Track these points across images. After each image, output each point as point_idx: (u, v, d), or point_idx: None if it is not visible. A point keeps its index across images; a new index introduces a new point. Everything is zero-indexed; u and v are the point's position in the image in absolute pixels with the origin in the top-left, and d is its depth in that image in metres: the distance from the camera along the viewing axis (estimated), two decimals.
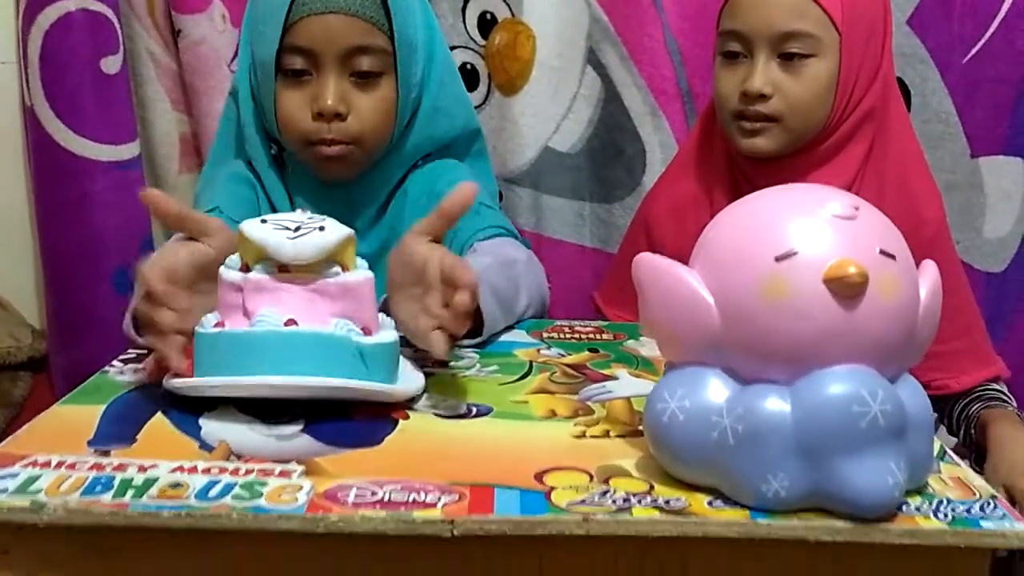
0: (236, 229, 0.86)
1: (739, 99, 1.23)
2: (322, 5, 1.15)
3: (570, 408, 0.88)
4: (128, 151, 1.66)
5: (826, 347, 0.66)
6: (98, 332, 1.65)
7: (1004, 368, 1.38)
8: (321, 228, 0.85)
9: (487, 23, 1.68)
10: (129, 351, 0.99)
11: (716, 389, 0.70)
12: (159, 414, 0.82)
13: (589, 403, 0.89)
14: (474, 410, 0.86)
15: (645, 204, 1.48)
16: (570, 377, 0.97)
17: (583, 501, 0.68)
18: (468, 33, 1.69)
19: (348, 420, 0.83)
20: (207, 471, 0.70)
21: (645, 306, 0.72)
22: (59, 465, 0.70)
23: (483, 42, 1.69)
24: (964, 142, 1.62)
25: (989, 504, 0.70)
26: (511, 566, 0.68)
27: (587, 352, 1.06)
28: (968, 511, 0.69)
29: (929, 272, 0.73)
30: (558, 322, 1.19)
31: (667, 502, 0.68)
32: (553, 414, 0.86)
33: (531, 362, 1.01)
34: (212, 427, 0.80)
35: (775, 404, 0.67)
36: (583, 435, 0.82)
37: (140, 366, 0.94)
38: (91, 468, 0.70)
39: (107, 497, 0.66)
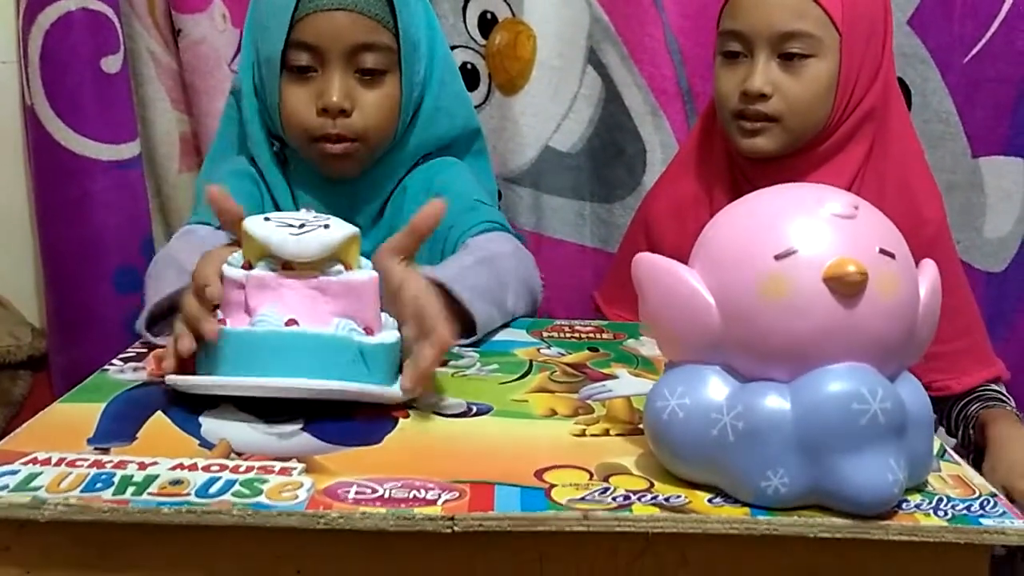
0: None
1: (739, 99, 1.23)
2: (329, 1, 1.16)
3: (570, 407, 0.88)
4: (128, 150, 1.66)
5: (826, 345, 0.67)
6: (98, 331, 1.65)
7: (1004, 369, 1.38)
8: (326, 226, 0.85)
9: (487, 23, 1.68)
10: (129, 350, 0.99)
11: (716, 387, 0.70)
12: (159, 412, 0.82)
13: (589, 402, 0.89)
14: (474, 409, 0.86)
15: (645, 204, 1.48)
16: (570, 376, 0.97)
17: (583, 498, 0.68)
18: (468, 33, 1.69)
19: (348, 419, 0.83)
20: (207, 468, 0.70)
21: (645, 305, 0.72)
22: (59, 462, 0.70)
23: (483, 42, 1.69)
24: (965, 142, 1.62)
25: (989, 502, 0.70)
26: (511, 563, 0.68)
27: (587, 351, 1.06)
28: (968, 509, 0.69)
29: (929, 271, 0.73)
30: (558, 321, 1.19)
31: (667, 499, 0.69)
32: (553, 413, 0.86)
33: (531, 361, 1.01)
34: (212, 425, 0.80)
35: (775, 402, 0.67)
36: (583, 433, 0.82)
37: (140, 364, 0.94)
38: (91, 465, 0.70)
39: (107, 494, 0.66)
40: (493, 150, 1.55)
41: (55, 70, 1.60)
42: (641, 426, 0.75)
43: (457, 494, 0.68)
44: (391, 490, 0.68)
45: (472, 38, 1.69)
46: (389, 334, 0.88)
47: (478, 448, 0.78)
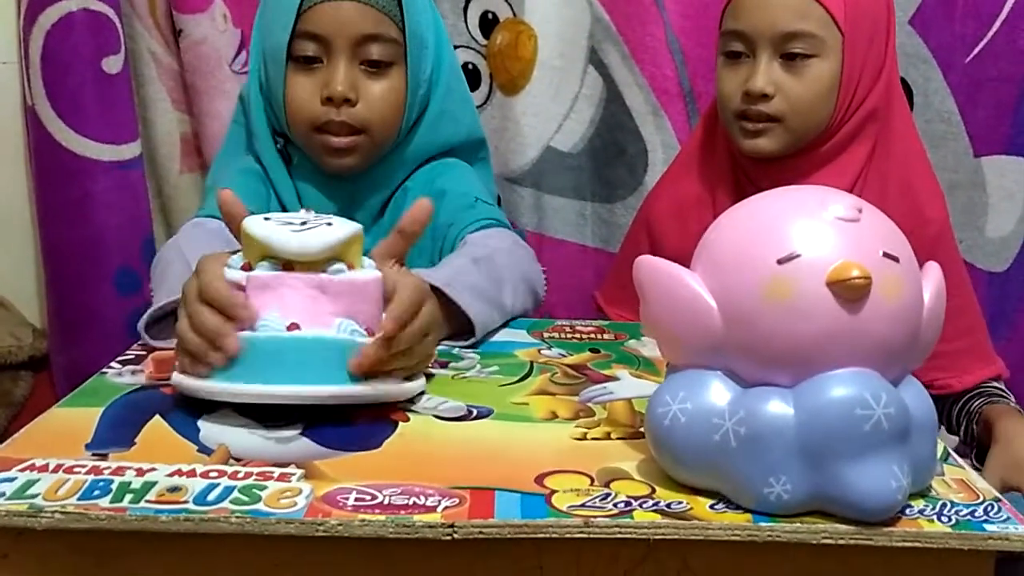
0: None
1: (741, 99, 1.23)
2: None
3: (571, 410, 0.87)
4: (129, 151, 1.66)
5: (829, 350, 0.66)
6: (99, 331, 1.66)
7: (1003, 367, 1.38)
8: (328, 224, 0.85)
9: (488, 23, 1.68)
10: (127, 352, 0.98)
11: (718, 392, 0.69)
12: (157, 417, 0.82)
13: (590, 404, 0.89)
14: (474, 412, 0.86)
15: (647, 204, 1.48)
16: (571, 378, 0.96)
17: (584, 504, 0.68)
18: (470, 33, 1.69)
19: (348, 423, 0.82)
20: (206, 475, 0.70)
21: (646, 308, 0.72)
22: (57, 469, 0.70)
23: (484, 42, 1.69)
24: (967, 142, 1.62)
25: (993, 507, 0.70)
26: (511, 570, 0.68)
27: (588, 352, 1.05)
28: (972, 514, 0.68)
29: (932, 274, 0.72)
30: (559, 322, 1.18)
31: (668, 505, 0.68)
32: (554, 416, 0.86)
33: (532, 363, 1.01)
34: (211, 430, 0.80)
35: (777, 407, 0.67)
36: (584, 437, 0.81)
37: (139, 367, 0.93)
38: (89, 472, 0.69)
39: (105, 501, 0.65)
40: (495, 150, 1.55)
41: (56, 71, 1.60)
42: (642, 429, 0.75)
43: (457, 500, 0.67)
44: (390, 496, 0.68)
45: (473, 38, 1.69)
46: None
47: (478, 453, 0.77)
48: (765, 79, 1.21)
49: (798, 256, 0.66)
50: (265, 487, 0.68)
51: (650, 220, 1.43)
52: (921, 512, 0.68)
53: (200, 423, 0.81)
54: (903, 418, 0.66)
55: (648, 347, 1.07)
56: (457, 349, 1.03)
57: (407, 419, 0.84)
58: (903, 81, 1.50)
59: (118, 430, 0.79)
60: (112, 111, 1.64)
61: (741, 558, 0.67)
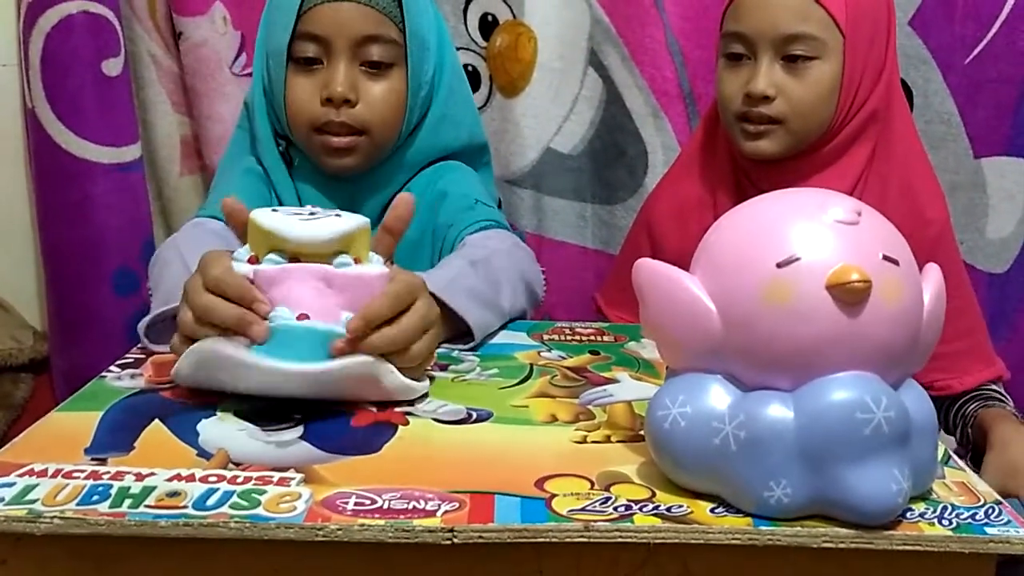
0: None
1: (742, 101, 1.23)
2: None
3: (571, 412, 0.87)
4: (129, 153, 1.66)
5: (829, 353, 0.66)
6: (99, 333, 1.66)
7: (1004, 369, 1.38)
8: (336, 216, 0.85)
9: (488, 25, 1.68)
10: (126, 356, 0.98)
11: (718, 395, 0.69)
12: (156, 421, 0.81)
13: (590, 407, 0.89)
14: (474, 415, 0.86)
15: (647, 205, 1.48)
16: (571, 380, 0.96)
17: (584, 508, 0.67)
18: (469, 35, 1.69)
19: (347, 426, 0.82)
20: (205, 479, 0.70)
21: (646, 312, 0.72)
22: (56, 474, 0.70)
23: (484, 44, 1.69)
24: (967, 143, 1.62)
25: (993, 510, 0.70)
26: (511, 574, 0.68)
27: (588, 354, 1.05)
28: (972, 517, 0.68)
29: (933, 276, 0.72)
30: (559, 324, 1.18)
31: (669, 509, 0.68)
32: (554, 419, 0.86)
33: (531, 365, 1.01)
34: (210, 434, 0.79)
35: (777, 411, 0.66)
36: (584, 440, 0.81)
37: (138, 371, 0.93)
38: (88, 477, 0.69)
39: (104, 506, 0.65)
40: (495, 152, 1.55)
41: (56, 73, 1.60)
42: (642, 432, 0.75)
43: (457, 505, 0.67)
44: (390, 501, 0.67)
45: (473, 40, 1.69)
46: None
47: (478, 456, 0.77)
48: (766, 81, 1.21)
49: (798, 259, 0.66)
50: (264, 491, 0.68)
51: (651, 222, 1.43)
52: (922, 515, 0.68)
53: (199, 427, 0.80)
54: (903, 421, 0.66)
55: (648, 349, 1.07)
56: (457, 352, 1.03)
57: (406, 422, 0.84)
58: (903, 83, 1.50)
59: (117, 434, 0.79)
60: (112, 113, 1.64)
61: (741, 562, 0.67)
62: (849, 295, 0.65)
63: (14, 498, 0.66)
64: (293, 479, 0.70)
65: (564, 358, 1.04)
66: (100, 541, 0.65)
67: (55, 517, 0.64)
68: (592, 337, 1.13)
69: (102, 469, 0.71)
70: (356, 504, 0.67)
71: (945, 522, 0.68)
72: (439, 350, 0.98)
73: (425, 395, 0.89)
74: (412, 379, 0.87)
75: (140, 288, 1.62)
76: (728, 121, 1.27)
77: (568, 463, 0.76)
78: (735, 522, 0.67)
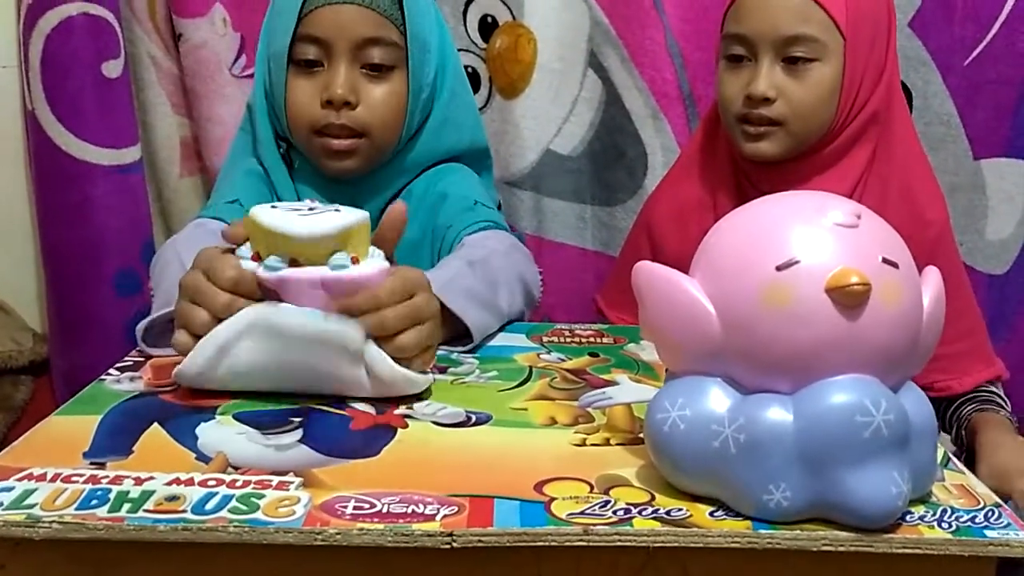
0: None
1: (743, 103, 1.23)
2: None
3: (570, 415, 0.87)
4: (129, 155, 1.66)
5: (828, 356, 0.66)
6: (99, 335, 1.66)
7: (1004, 369, 1.38)
8: (336, 211, 0.85)
9: (488, 26, 1.68)
10: (125, 359, 0.98)
11: (717, 398, 0.69)
12: (156, 425, 0.81)
13: (589, 410, 0.89)
14: (473, 418, 0.86)
15: (647, 207, 1.48)
16: (570, 383, 0.96)
17: (583, 512, 0.67)
18: (469, 36, 1.69)
19: (346, 430, 0.82)
20: (204, 483, 0.70)
21: (645, 314, 0.72)
22: (55, 478, 0.70)
23: (484, 45, 1.69)
24: (966, 144, 1.62)
25: (993, 513, 0.69)
26: None
27: (587, 356, 1.05)
28: (972, 520, 0.68)
29: (932, 279, 0.72)
30: (558, 325, 1.18)
31: (668, 512, 0.68)
32: (553, 421, 0.86)
33: (531, 367, 1.00)
34: (209, 438, 0.79)
35: (777, 414, 0.66)
36: (583, 443, 0.81)
37: (137, 374, 0.93)
38: (87, 481, 0.69)
39: (103, 511, 0.65)
40: (494, 153, 1.55)
41: (56, 75, 1.60)
42: (642, 435, 0.75)
43: (456, 508, 0.67)
44: (389, 505, 0.67)
45: (473, 42, 1.69)
46: None
47: (477, 460, 0.77)
48: (767, 83, 1.21)
49: (797, 262, 0.66)
50: (263, 496, 0.68)
51: (651, 223, 1.43)
52: (921, 518, 0.68)
53: (198, 431, 0.80)
54: (903, 424, 0.66)
55: (647, 351, 1.07)
56: (456, 354, 1.03)
57: (406, 426, 0.84)
58: (902, 84, 1.50)
59: (116, 438, 0.78)
60: (112, 115, 1.64)
61: (741, 565, 0.67)
62: (848, 298, 0.65)
63: (13, 502, 0.66)
64: (292, 483, 0.70)
65: (563, 360, 1.03)
66: (99, 546, 0.65)
67: (54, 522, 0.64)
68: (591, 339, 1.13)
69: (101, 473, 0.71)
70: (355, 508, 0.67)
71: (945, 525, 0.67)
72: (438, 352, 0.97)
73: (425, 396, 0.90)
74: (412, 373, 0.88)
75: (141, 289, 1.63)
76: (728, 123, 1.27)
77: (567, 466, 0.75)
78: (734, 525, 0.67)
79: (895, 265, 0.68)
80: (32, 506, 0.66)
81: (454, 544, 0.64)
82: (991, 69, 1.58)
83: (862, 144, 1.27)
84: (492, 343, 1.09)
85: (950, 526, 0.67)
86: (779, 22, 1.20)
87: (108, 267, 1.66)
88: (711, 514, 0.68)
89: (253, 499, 0.67)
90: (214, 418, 0.83)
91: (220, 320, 0.84)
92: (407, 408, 0.87)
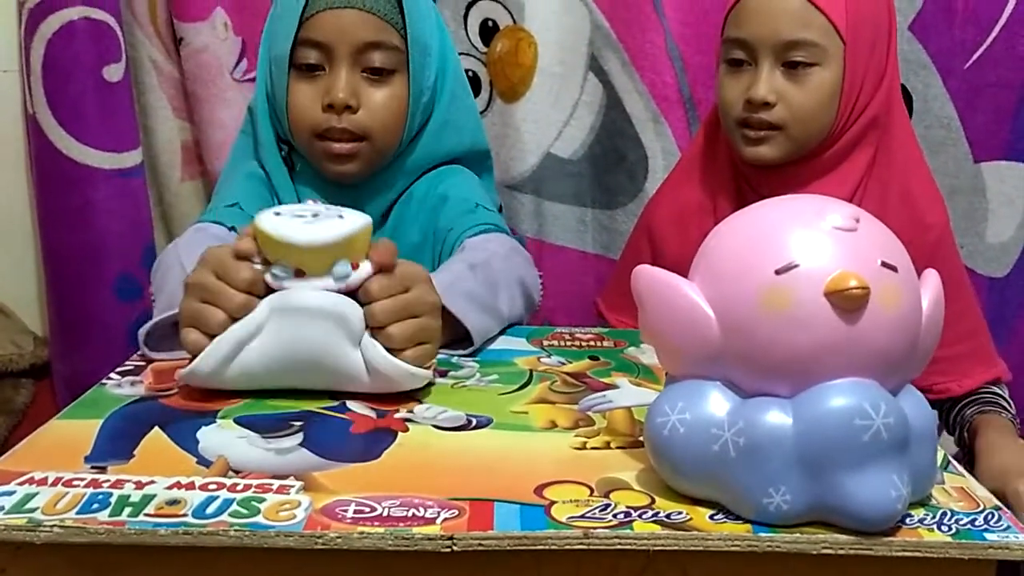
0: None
1: (743, 107, 1.23)
2: (338, 0, 1.17)
3: (570, 419, 0.87)
4: (130, 159, 1.66)
5: (827, 360, 0.66)
6: (100, 339, 1.66)
7: (1006, 370, 1.38)
8: (340, 217, 0.86)
9: (489, 30, 1.68)
10: (126, 363, 0.98)
11: (717, 402, 0.69)
12: (156, 429, 0.81)
13: (590, 413, 0.89)
14: (473, 421, 0.86)
15: (648, 210, 1.48)
16: (570, 386, 0.96)
17: (583, 515, 0.67)
18: (470, 40, 1.69)
19: (347, 433, 0.82)
20: (205, 487, 0.70)
21: (645, 318, 0.72)
22: (56, 482, 0.70)
23: (485, 49, 1.69)
24: (966, 147, 1.62)
25: (993, 515, 0.70)
26: None
27: (587, 360, 1.05)
28: (972, 523, 0.68)
29: (931, 282, 0.72)
30: (558, 329, 1.18)
31: (668, 516, 0.68)
32: (553, 425, 0.86)
33: (531, 371, 1.01)
34: (210, 442, 0.79)
35: (776, 417, 0.66)
36: (583, 447, 0.81)
37: (138, 378, 0.93)
38: (88, 485, 0.69)
39: (104, 515, 0.65)
40: (495, 157, 1.55)
41: (57, 79, 1.61)
42: (642, 438, 0.75)
43: (456, 512, 0.67)
44: (389, 508, 0.67)
45: (473, 45, 1.69)
46: None
47: (477, 463, 0.77)
48: (767, 87, 1.21)
49: (796, 266, 0.66)
50: (264, 499, 0.68)
51: (651, 227, 1.42)
52: (921, 521, 0.68)
53: (199, 435, 0.80)
54: (902, 427, 0.66)
55: (647, 354, 1.07)
56: (456, 357, 1.03)
57: (406, 429, 0.84)
58: (902, 87, 1.50)
59: (117, 442, 0.79)
60: (113, 119, 1.64)
61: (741, 569, 0.67)
62: (847, 302, 0.65)
63: (14, 507, 0.66)
64: (293, 487, 0.70)
65: (564, 364, 1.04)
66: (100, 550, 0.65)
67: (55, 526, 0.64)
68: (592, 343, 1.13)
69: (102, 477, 0.71)
70: (355, 512, 0.67)
71: (944, 528, 0.68)
72: (438, 355, 0.97)
73: (425, 399, 0.90)
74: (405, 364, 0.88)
75: (141, 293, 1.63)
76: (729, 127, 1.27)
77: (567, 470, 0.76)
78: (734, 529, 0.67)
79: (894, 269, 0.68)
80: (33, 510, 0.66)
81: (454, 548, 0.65)
82: (991, 72, 1.58)
83: (862, 148, 1.26)
84: (492, 347, 1.09)
85: (950, 529, 0.68)
86: (779, 26, 1.20)
87: (109, 271, 1.66)
88: (711, 517, 0.68)
89: (254, 503, 0.68)
90: (215, 422, 0.83)
91: (235, 320, 0.86)
92: (407, 412, 0.87)
